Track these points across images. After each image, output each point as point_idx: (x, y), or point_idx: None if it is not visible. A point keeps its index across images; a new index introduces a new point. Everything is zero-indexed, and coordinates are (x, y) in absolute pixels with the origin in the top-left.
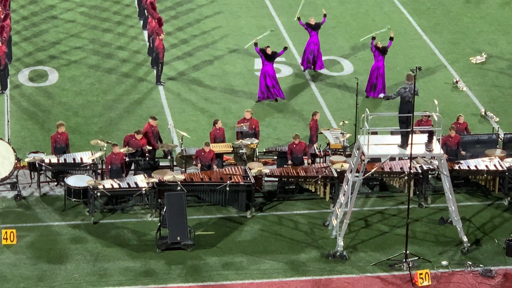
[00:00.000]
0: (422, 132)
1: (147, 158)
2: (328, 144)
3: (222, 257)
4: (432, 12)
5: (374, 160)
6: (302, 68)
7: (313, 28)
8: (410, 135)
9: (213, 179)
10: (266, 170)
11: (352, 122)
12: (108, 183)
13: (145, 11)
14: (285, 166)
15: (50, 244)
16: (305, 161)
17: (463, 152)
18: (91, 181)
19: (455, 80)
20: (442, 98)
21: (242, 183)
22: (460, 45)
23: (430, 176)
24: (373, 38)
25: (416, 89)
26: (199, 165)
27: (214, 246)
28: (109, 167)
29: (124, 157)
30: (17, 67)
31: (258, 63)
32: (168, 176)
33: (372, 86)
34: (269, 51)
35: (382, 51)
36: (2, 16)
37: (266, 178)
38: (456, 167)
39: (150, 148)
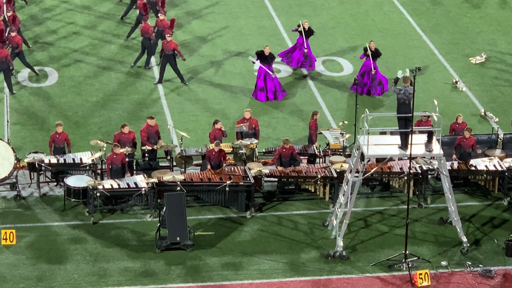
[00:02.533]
0: (421, 132)
1: (147, 159)
2: (328, 144)
3: (221, 258)
4: (432, 12)
5: (380, 160)
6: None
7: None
8: (409, 135)
9: (213, 180)
10: (266, 170)
11: (351, 122)
12: (107, 183)
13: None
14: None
15: (49, 245)
16: (300, 162)
17: (478, 151)
18: (90, 181)
19: (454, 80)
20: (441, 98)
21: (242, 183)
22: (459, 45)
23: (429, 176)
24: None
25: (410, 93)
26: (209, 166)
27: (214, 246)
28: (110, 167)
29: (125, 158)
30: (17, 67)
31: (257, 63)
32: (167, 177)
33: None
34: (267, 51)
35: (372, 54)
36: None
37: (265, 179)
38: (473, 167)
39: (150, 148)
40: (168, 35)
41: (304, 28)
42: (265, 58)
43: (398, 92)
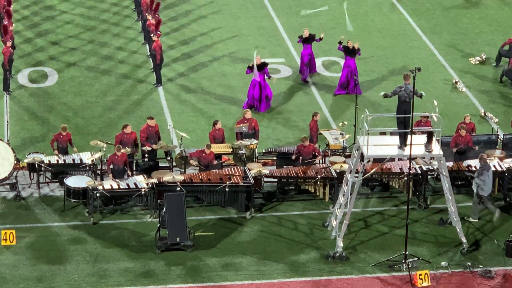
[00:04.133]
0: (421, 132)
1: (146, 159)
2: (328, 144)
3: (221, 258)
4: (432, 13)
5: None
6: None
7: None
8: (408, 136)
9: (213, 180)
10: (266, 170)
11: (351, 122)
12: (107, 184)
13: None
14: (284, 167)
15: (49, 245)
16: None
17: (475, 147)
18: (90, 181)
19: (454, 81)
20: (441, 98)
21: (242, 183)
22: (459, 45)
23: (429, 176)
24: (340, 42)
25: (420, 92)
26: (192, 162)
27: (214, 247)
28: (110, 166)
29: (128, 159)
30: (17, 68)
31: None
32: (167, 177)
33: (341, 85)
34: (258, 60)
35: (350, 51)
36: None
37: (265, 179)
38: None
39: (150, 148)
40: (152, 34)
41: (305, 37)
42: (258, 68)
43: (399, 90)
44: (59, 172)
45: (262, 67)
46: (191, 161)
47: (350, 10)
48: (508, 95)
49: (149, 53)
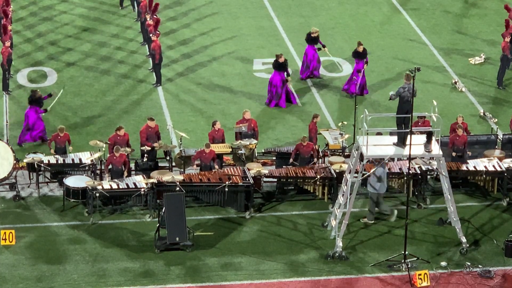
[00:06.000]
0: (421, 132)
1: (146, 159)
2: (327, 144)
3: (221, 258)
4: (431, 13)
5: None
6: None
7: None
8: (408, 136)
9: (212, 180)
10: (265, 170)
11: (350, 122)
12: (107, 184)
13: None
14: (284, 167)
15: (49, 245)
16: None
17: (469, 153)
18: (90, 181)
19: (453, 81)
20: (441, 98)
21: (241, 183)
22: (459, 45)
23: (429, 176)
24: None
25: (415, 90)
26: (195, 166)
27: (213, 246)
28: (109, 167)
29: (127, 160)
30: (16, 68)
31: (256, 63)
32: (167, 177)
33: (360, 88)
34: (282, 59)
35: (360, 55)
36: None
37: (265, 179)
38: (464, 167)
39: (149, 148)
40: (151, 34)
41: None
42: (279, 67)
43: (402, 91)
44: (59, 172)
45: (283, 66)
46: (195, 165)
47: (350, 10)
48: (507, 95)
49: (148, 53)
